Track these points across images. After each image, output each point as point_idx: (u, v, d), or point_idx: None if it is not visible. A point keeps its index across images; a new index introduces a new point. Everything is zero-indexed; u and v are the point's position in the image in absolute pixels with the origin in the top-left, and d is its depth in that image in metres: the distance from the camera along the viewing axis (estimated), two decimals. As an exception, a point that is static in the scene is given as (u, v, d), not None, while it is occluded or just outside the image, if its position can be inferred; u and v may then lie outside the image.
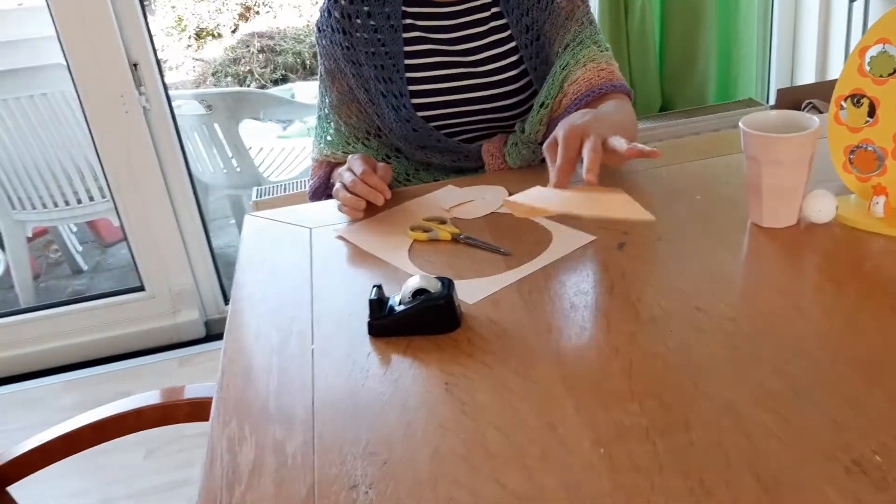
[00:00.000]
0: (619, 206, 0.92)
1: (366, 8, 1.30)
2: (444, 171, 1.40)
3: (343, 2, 1.30)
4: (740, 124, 0.97)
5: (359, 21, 1.30)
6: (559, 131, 1.00)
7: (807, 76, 2.38)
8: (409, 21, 1.30)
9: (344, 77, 1.34)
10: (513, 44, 1.32)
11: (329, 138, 1.38)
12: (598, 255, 0.99)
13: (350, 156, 1.23)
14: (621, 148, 0.95)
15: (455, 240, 1.08)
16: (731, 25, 2.27)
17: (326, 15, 1.33)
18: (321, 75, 1.39)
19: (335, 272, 1.04)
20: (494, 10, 1.32)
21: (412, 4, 1.31)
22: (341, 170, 1.24)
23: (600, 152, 0.95)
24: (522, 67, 1.32)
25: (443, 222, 1.12)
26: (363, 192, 1.15)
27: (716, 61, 2.26)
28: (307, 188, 1.44)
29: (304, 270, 1.05)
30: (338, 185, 1.19)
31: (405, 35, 1.30)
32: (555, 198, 0.95)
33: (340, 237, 1.13)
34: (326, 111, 1.39)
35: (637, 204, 0.91)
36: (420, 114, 1.30)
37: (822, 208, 0.97)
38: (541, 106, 1.28)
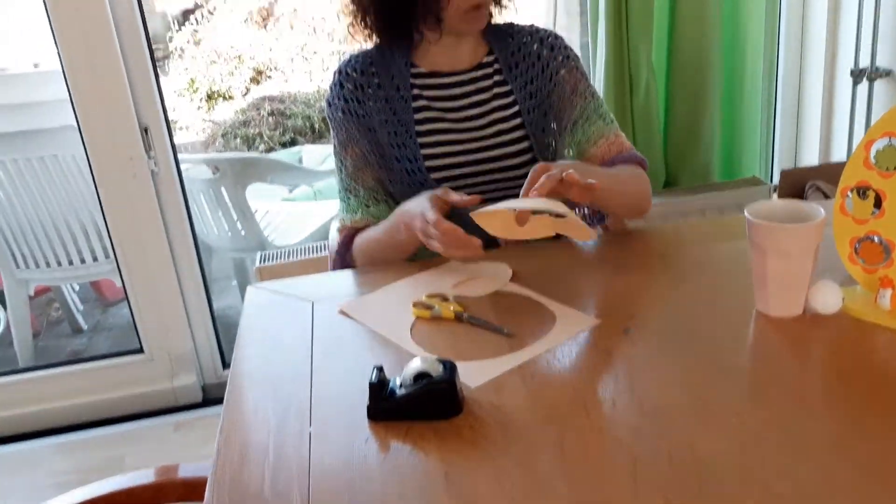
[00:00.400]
0: (566, 223, 1.10)
1: (376, 80, 1.37)
2: None
3: (355, 75, 1.38)
4: (745, 213, 0.97)
5: (370, 91, 1.37)
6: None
7: (810, 156, 2.40)
8: (416, 91, 1.37)
9: (357, 144, 1.38)
10: (516, 108, 1.37)
11: (349, 205, 1.41)
12: (603, 340, 0.98)
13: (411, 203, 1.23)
14: (567, 178, 1.06)
15: (458, 318, 1.07)
16: (735, 104, 2.30)
17: (338, 88, 1.39)
18: (335, 148, 1.43)
19: (336, 348, 1.03)
20: (497, 78, 1.39)
21: (419, 77, 1.38)
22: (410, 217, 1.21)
23: (554, 179, 1.06)
24: (525, 132, 1.37)
25: (446, 299, 1.12)
26: (451, 248, 1.13)
27: (720, 139, 2.28)
28: (329, 254, 1.47)
29: (306, 345, 1.04)
30: (425, 238, 1.17)
31: (414, 104, 1.36)
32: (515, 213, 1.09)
33: (342, 312, 1.12)
34: (345, 180, 1.42)
35: (581, 223, 1.08)
36: (433, 175, 1.34)
37: (828, 300, 0.97)
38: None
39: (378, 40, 1.39)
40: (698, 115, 2.22)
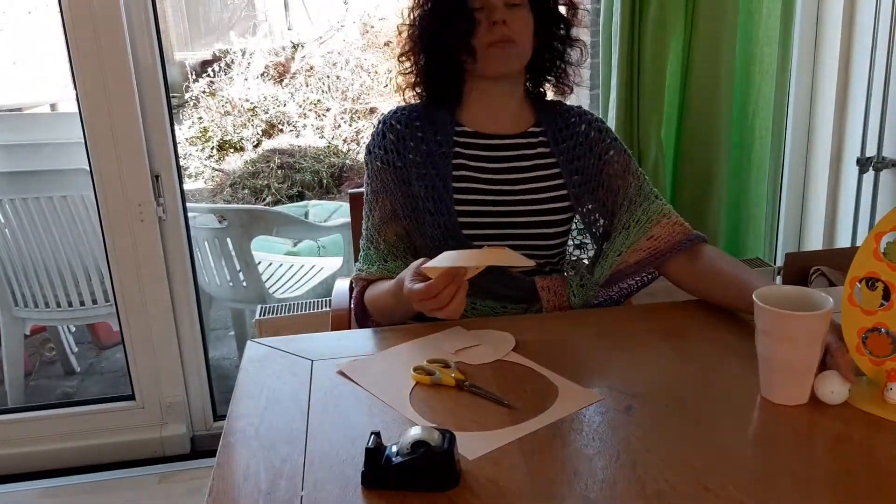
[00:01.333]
0: (502, 256, 1.16)
1: (419, 134, 1.42)
2: (492, 297, 1.40)
3: (399, 126, 1.42)
4: (754, 297, 0.97)
5: (412, 144, 1.41)
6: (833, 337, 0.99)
7: (814, 240, 2.40)
8: (457, 149, 1.41)
9: (389, 196, 1.41)
10: (560, 180, 1.42)
11: (368, 256, 1.42)
12: (605, 418, 0.97)
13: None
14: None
15: (459, 386, 1.06)
16: (742, 185, 2.31)
17: (380, 137, 1.43)
18: (366, 196, 1.46)
19: (333, 410, 1.01)
20: (542, 149, 1.44)
21: (462, 135, 1.43)
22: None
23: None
24: (567, 203, 1.42)
25: (447, 366, 1.11)
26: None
27: (726, 219, 2.29)
28: (331, 310, 1.53)
29: (302, 405, 1.03)
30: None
31: (454, 161, 1.40)
32: (458, 257, 1.14)
33: (341, 373, 1.11)
34: (370, 230, 1.44)
35: (515, 254, 1.16)
36: (465, 232, 1.37)
37: (833, 390, 0.95)
38: (617, 255, 1.39)
39: (427, 95, 1.46)
40: (705, 193, 2.23)
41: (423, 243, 1.41)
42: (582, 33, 1.55)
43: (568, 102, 1.55)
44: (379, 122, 1.46)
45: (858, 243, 2.23)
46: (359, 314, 1.41)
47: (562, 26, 1.46)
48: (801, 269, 2.02)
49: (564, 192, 1.42)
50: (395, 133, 1.42)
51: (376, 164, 1.43)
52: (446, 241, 1.36)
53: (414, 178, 1.39)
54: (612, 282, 1.41)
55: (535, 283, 1.39)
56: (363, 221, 1.47)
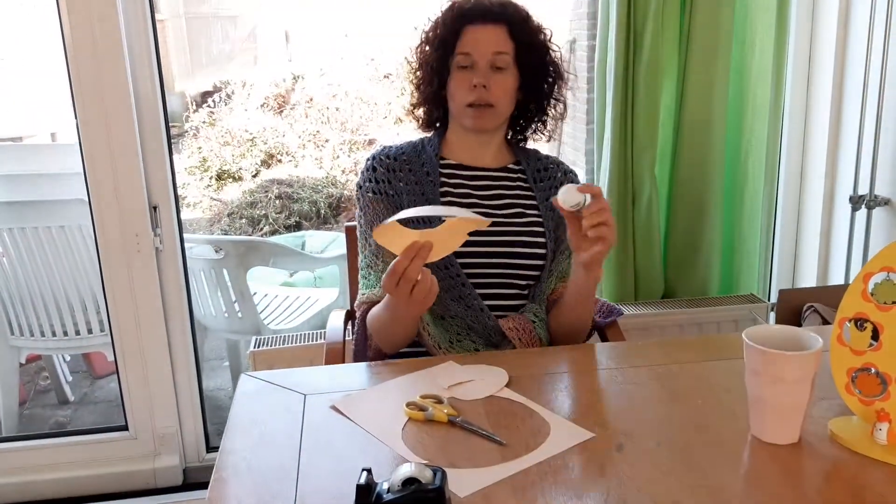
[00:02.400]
0: (457, 224, 1.21)
1: (407, 166, 1.49)
2: (479, 335, 1.43)
3: (387, 160, 1.49)
4: (743, 336, 0.98)
5: (401, 174, 1.48)
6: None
7: (807, 277, 2.42)
8: (443, 179, 1.49)
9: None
10: (537, 212, 1.49)
11: (369, 281, 1.46)
12: (596, 456, 0.97)
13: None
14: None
15: (451, 422, 1.06)
16: (735, 222, 2.33)
17: (370, 171, 1.50)
18: (360, 227, 1.51)
19: (325, 446, 1.02)
20: (522, 184, 1.52)
21: (447, 167, 1.51)
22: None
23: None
24: (544, 238, 1.48)
25: (440, 402, 1.11)
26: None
27: (719, 255, 2.30)
28: (327, 343, 1.55)
29: (294, 440, 1.03)
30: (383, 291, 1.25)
31: (440, 189, 1.47)
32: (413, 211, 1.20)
33: (334, 408, 1.11)
34: (368, 257, 1.48)
35: (468, 213, 1.21)
36: (458, 260, 1.41)
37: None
38: (559, 279, 1.49)
39: (426, 125, 1.57)
40: (698, 230, 2.25)
41: None
42: (580, 71, 1.61)
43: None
44: (368, 160, 1.52)
45: (851, 280, 2.24)
46: (360, 341, 1.43)
47: (546, 86, 1.53)
48: (794, 306, 2.03)
49: (542, 228, 1.48)
50: (384, 166, 1.48)
51: (368, 196, 1.48)
52: (441, 267, 1.38)
53: (406, 203, 1.44)
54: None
55: (499, 327, 1.42)
56: (359, 252, 1.51)
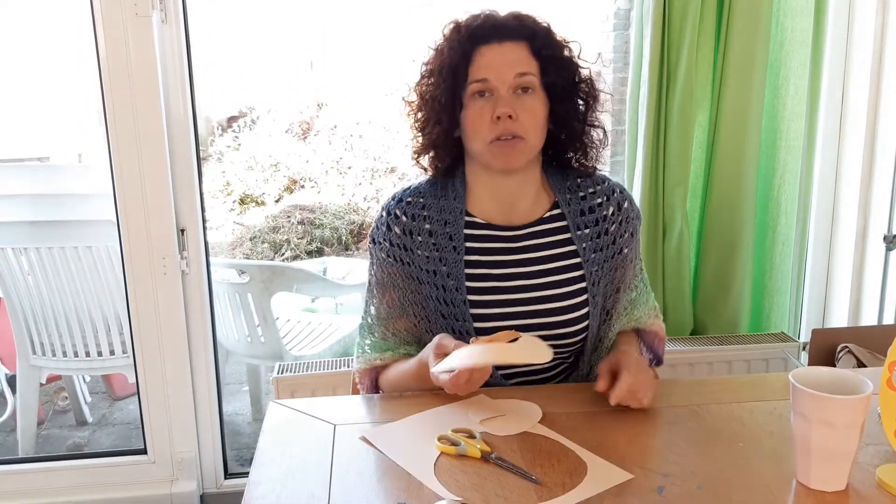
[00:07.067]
0: (516, 352, 1.13)
1: (427, 226, 1.28)
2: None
3: (405, 219, 1.29)
4: (790, 378, 0.95)
5: (419, 238, 1.28)
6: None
7: (839, 316, 2.37)
8: (468, 244, 1.28)
9: (397, 291, 1.31)
10: (580, 272, 1.29)
11: (375, 343, 1.34)
12: (635, 498, 0.94)
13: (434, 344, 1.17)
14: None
15: (485, 458, 1.04)
16: (766, 259, 2.30)
17: (385, 229, 1.30)
18: (370, 283, 1.35)
19: (355, 478, 0.99)
20: (561, 236, 1.30)
21: (473, 226, 1.29)
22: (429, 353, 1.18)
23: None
24: (585, 297, 1.29)
25: (472, 436, 1.08)
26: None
27: (749, 292, 2.27)
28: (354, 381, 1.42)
29: (324, 472, 1.01)
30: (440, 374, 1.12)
31: (467, 257, 1.27)
32: (470, 356, 1.10)
33: (364, 439, 1.09)
34: (372, 321, 1.35)
35: (530, 345, 1.13)
36: (481, 337, 1.20)
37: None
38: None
39: (440, 175, 1.32)
40: (729, 266, 2.21)
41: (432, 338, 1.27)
42: (611, 95, 1.48)
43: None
44: (383, 211, 1.33)
45: (885, 321, 2.20)
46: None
47: (580, 109, 1.31)
48: (827, 345, 1.98)
49: (583, 284, 1.29)
50: (400, 226, 1.29)
51: (381, 256, 1.31)
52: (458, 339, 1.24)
53: (423, 277, 1.27)
54: None
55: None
56: (365, 309, 1.36)
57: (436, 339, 1.17)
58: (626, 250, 1.34)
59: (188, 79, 2.08)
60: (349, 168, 6.45)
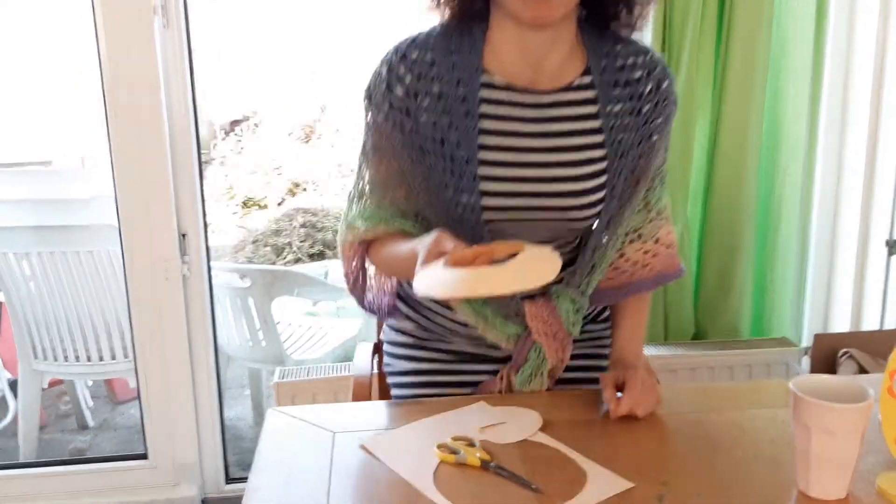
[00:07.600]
0: (523, 276, 0.95)
1: (436, 88, 1.11)
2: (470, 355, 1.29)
3: (409, 78, 1.11)
4: (791, 386, 0.94)
5: (427, 101, 1.11)
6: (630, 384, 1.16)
7: (840, 321, 2.37)
8: (483, 108, 1.12)
9: (397, 159, 1.15)
10: (601, 150, 1.14)
11: (367, 213, 1.19)
12: (635, 507, 0.94)
13: (428, 237, 1.02)
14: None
15: (484, 467, 1.03)
16: (767, 263, 2.29)
17: (385, 88, 1.13)
18: (364, 149, 1.19)
19: (355, 488, 0.99)
20: (588, 108, 1.15)
21: (490, 87, 1.12)
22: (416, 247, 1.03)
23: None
24: (604, 179, 1.15)
25: (472, 444, 1.08)
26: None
27: (751, 296, 2.26)
28: (344, 278, 1.30)
29: (323, 480, 1.01)
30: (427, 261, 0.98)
31: (480, 125, 1.11)
32: (457, 283, 0.94)
33: (363, 447, 1.09)
34: (364, 186, 1.20)
35: (539, 261, 0.97)
36: (486, 216, 1.12)
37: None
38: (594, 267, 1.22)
39: (461, 15, 1.13)
40: (730, 271, 2.21)
41: (431, 215, 1.17)
42: None
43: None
44: (383, 66, 1.13)
45: (887, 326, 2.19)
46: (358, 280, 1.27)
47: None
48: (829, 350, 1.98)
49: (604, 165, 1.14)
50: (403, 87, 1.11)
51: (379, 120, 1.14)
52: (461, 221, 1.12)
53: (429, 147, 1.11)
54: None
55: (523, 307, 1.18)
56: (357, 170, 1.21)
57: (434, 234, 1.01)
58: (655, 137, 1.17)
59: (190, 83, 2.08)
60: (352, 171, 6.45)
